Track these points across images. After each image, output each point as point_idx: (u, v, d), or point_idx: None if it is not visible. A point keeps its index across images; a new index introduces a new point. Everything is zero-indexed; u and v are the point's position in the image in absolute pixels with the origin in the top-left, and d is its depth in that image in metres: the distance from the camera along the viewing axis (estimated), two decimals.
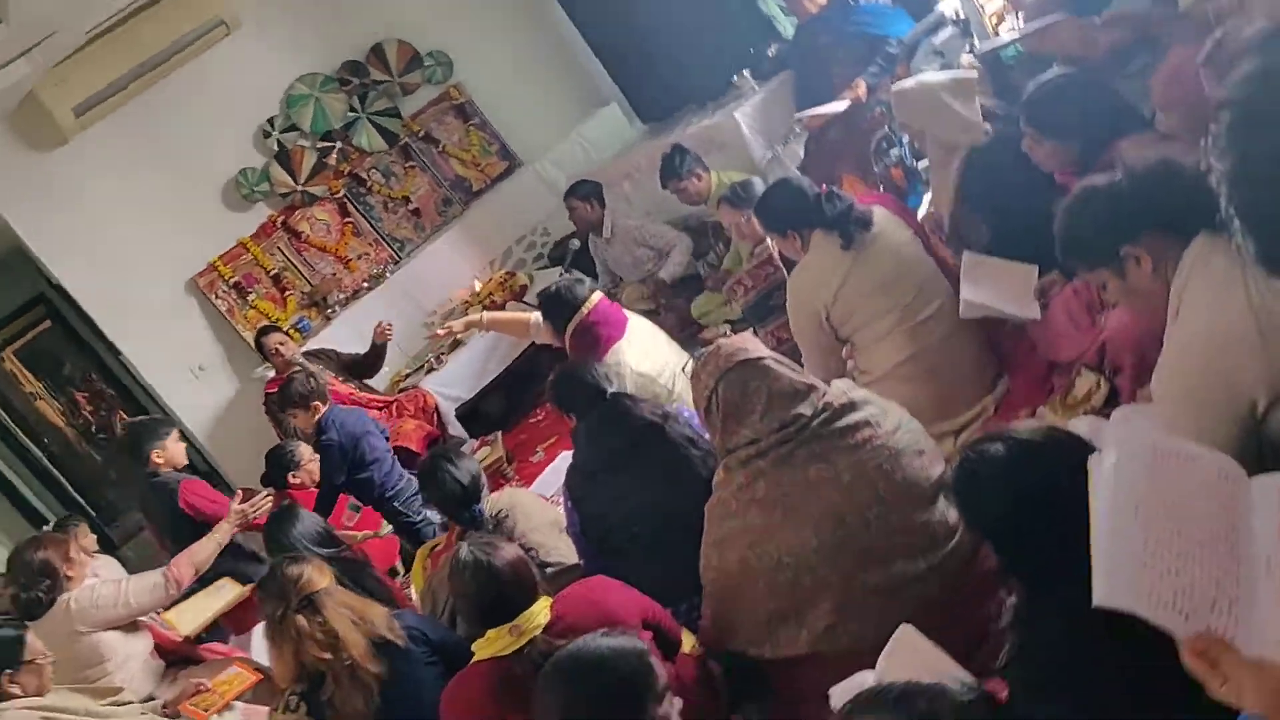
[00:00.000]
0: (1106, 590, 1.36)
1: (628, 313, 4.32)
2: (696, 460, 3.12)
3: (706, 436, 2.96)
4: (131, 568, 5.17)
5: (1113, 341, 2.89)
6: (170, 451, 4.96)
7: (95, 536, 4.97)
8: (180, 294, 6.91)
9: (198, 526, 4.57)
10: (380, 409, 5.95)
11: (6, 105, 6.24)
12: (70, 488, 8.62)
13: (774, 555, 2.55)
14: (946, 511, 2.52)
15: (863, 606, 2.50)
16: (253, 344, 6.52)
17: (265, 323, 6.62)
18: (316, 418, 4.90)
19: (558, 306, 4.22)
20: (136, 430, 5.11)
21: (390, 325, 6.08)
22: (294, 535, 3.72)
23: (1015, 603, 1.84)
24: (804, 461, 2.58)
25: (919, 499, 2.55)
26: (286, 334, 6.27)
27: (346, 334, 6.60)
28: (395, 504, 4.82)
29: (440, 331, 5.10)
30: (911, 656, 2.16)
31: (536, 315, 4.46)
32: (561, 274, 6.09)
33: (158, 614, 4.17)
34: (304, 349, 6.25)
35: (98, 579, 4.19)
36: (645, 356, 4.13)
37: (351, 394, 5.96)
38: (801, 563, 2.52)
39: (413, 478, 4.84)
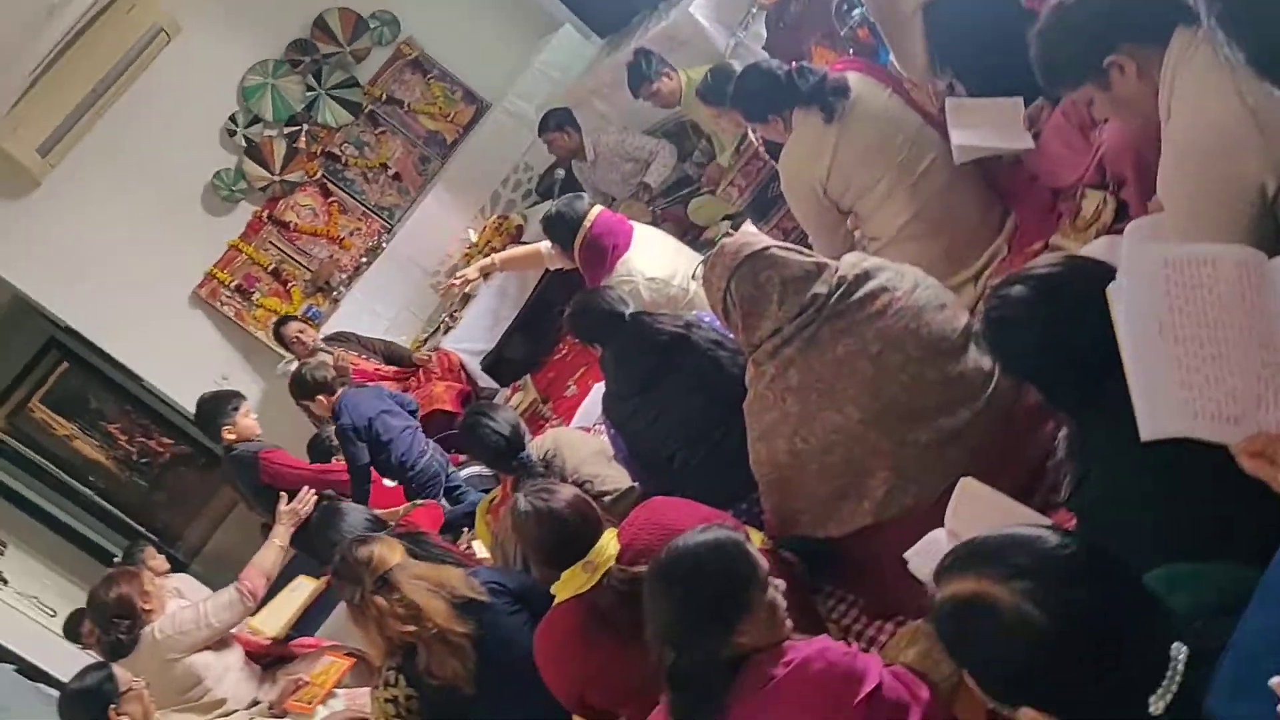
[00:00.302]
0: (1151, 422, 1.36)
1: (632, 222, 4.32)
2: (727, 361, 3.13)
3: (732, 336, 2.97)
4: (205, 581, 5.26)
5: (1111, 156, 2.86)
6: (241, 426, 4.98)
7: (163, 556, 5.04)
8: (185, 308, 6.93)
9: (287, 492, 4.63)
10: (407, 379, 5.98)
11: None
12: (126, 518, 8.73)
13: (820, 437, 2.57)
14: (980, 359, 2.53)
15: (918, 466, 2.53)
16: (269, 341, 6.57)
17: (276, 318, 6.63)
18: (331, 404, 4.91)
19: (561, 226, 4.26)
20: (204, 410, 5.12)
21: None
22: (344, 531, 3.76)
23: (1066, 434, 1.86)
24: (830, 339, 2.58)
25: (950, 352, 2.56)
26: (304, 319, 6.28)
27: (356, 311, 6.61)
28: (414, 482, 4.84)
29: (455, 282, 5.11)
30: (978, 507, 2.18)
31: (546, 243, 4.48)
32: (550, 204, 6.06)
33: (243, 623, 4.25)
34: (323, 335, 6.26)
35: (178, 602, 4.28)
36: (654, 262, 4.13)
37: (376, 369, 5.99)
38: (849, 438, 2.54)
39: (435, 453, 4.90)
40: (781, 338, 2.64)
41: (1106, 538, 1.58)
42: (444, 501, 4.79)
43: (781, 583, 2.05)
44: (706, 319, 3.30)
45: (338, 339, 6.20)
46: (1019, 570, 1.25)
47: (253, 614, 4.13)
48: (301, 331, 5.99)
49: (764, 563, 2.02)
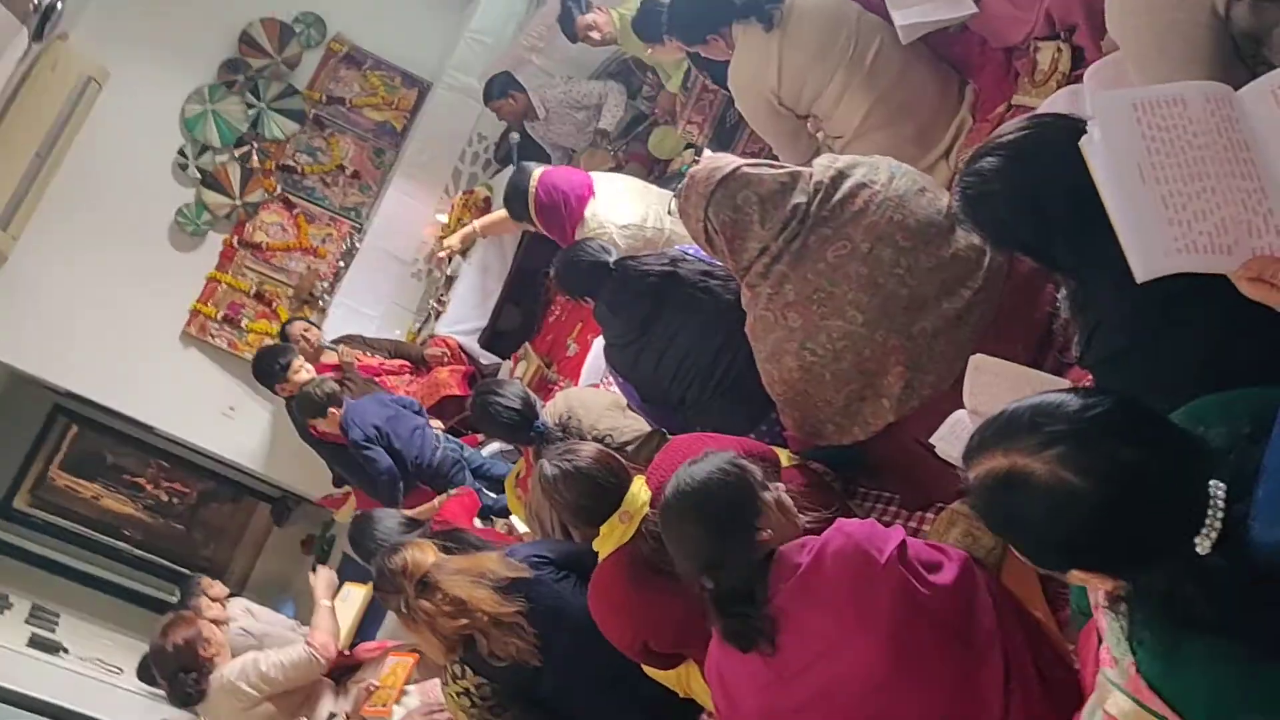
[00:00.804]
0: (1145, 264, 1.35)
1: (591, 173, 4.28)
2: (719, 288, 3.12)
3: (719, 264, 2.96)
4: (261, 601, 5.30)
5: (1057, 3, 2.82)
6: (293, 382, 5.22)
7: (220, 582, 5.06)
8: (179, 349, 6.91)
9: None
10: (416, 370, 5.98)
11: None
12: (169, 563, 8.80)
13: (828, 346, 2.57)
14: (968, 236, 2.51)
15: (929, 354, 2.53)
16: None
17: (268, 332, 6.64)
18: (339, 421, 4.92)
19: (514, 200, 4.27)
20: (258, 372, 5.47)
21: None
22: (379, 539, 3.78)
23: (1067, 294, 1.85)
24: (819, 247, 2.57)
25: (938, 235, 2.55)
26: (306, 320, 6.24)
27: (345, 315, 6.59)
28: (436, 477, 4.87)
29: (441, 255, 5.12)
30: (993, 381, 2.19)
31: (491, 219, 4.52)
32: (513, 167, 6.02)
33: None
34: (328, 342, 6.22)
35: (247, 624, 4.38)
36: (623, 209, 4.10)
37: (381, 363, 5.98)
38: (856, 341, 2.54)
39: (446, 444, 4.93)
40: (770, 255, 2.63)
41: (1127, 387, 1.58)
42: (475, 482, 4.81)
43: (781, 485, 2.16)
44: (691, 251, 3.29)
45: (342, 340, 6.19)
46: (1050, 438, 1.25)
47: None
48: (306, 330, 5.96)
49: (755, 468, 2.14)
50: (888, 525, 2.71)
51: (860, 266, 2.53)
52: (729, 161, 2.73)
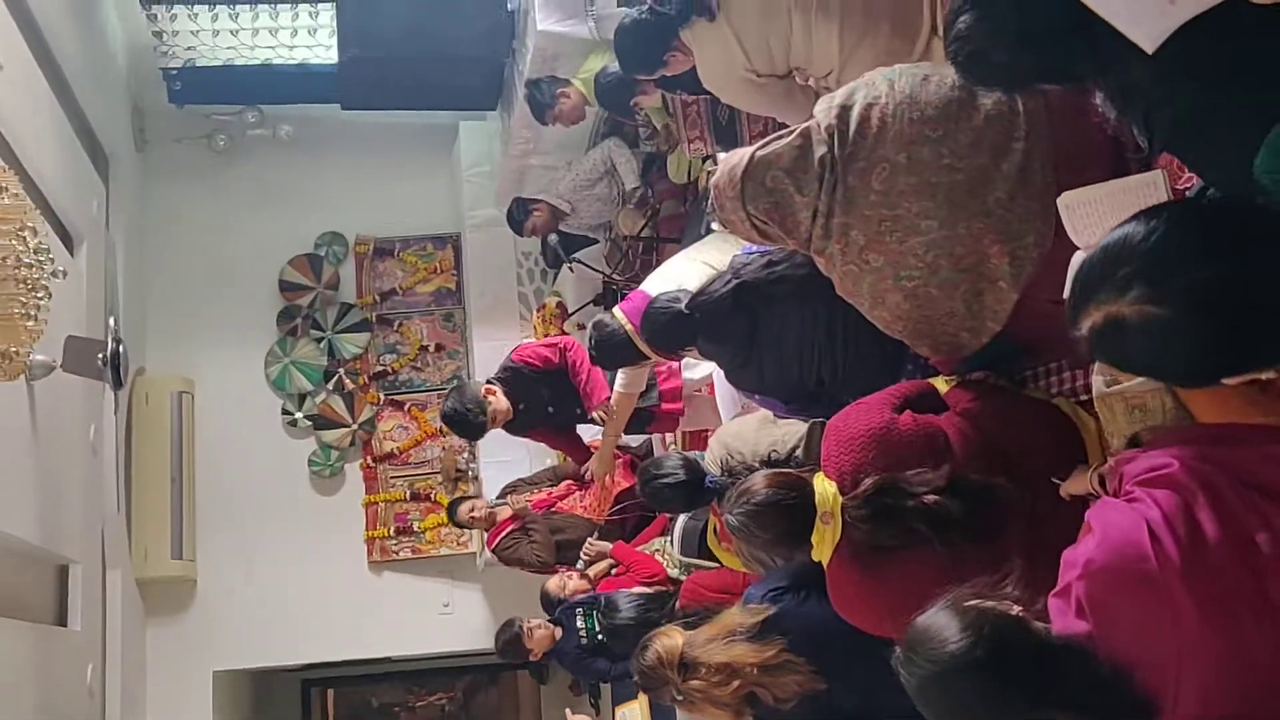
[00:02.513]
0: (1146, 34, 1.30)
1: (640, 287, 4.31)
2: (788, 270, 3.09)
3: (775, 247, 2.94)
4: None
5: None
6: (497, 420, 4.90)
7: None
8: (374, 578, 7.16)
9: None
10: (583, 486, 6.04)
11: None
12: None
13: (919, 265, 2.52)
14: (990, 95, 2.45)
15: (1016, 219, 2.45)
16: (457, 550, 6.74)
17: (441, 523, 6.81)
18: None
19: (619, 351, 4.20)
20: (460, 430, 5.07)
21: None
22: (624, 618, 3.84)
23: (1103, 96, 1.78)
24: (861, 182, 2.54)
25: (961, 108, 2.48)
26: (466, 499, 6.35)
27: (496, 475, 6.69)
28: None
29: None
30: (1090, 210, 2.11)
31: (619, 380, 4.52)
32: (569, 268, 6.11)
33: None
34: (494, 499, 6.32)
35: None
36: (671, 285, 4.11)
37: (549, 494, 6.05)
38: (943, 246, 2.49)
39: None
40: (823, 215, 2.60)
41: (1205, 152, 1.51)
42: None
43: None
44: (743, 253, 3.28)
45: (506, 492, 6.29)
46: (1125, 281, 1.22)
47: None
48: (472, 510, 6.08)
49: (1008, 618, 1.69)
50: (1073, 391, 2.65)
51: (908, 178, 2.48)
52: (740, 155, 2.72)
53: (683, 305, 3.35)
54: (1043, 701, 1.53)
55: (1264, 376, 1.28)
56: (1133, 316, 1.21)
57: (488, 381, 4.85)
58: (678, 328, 3.37)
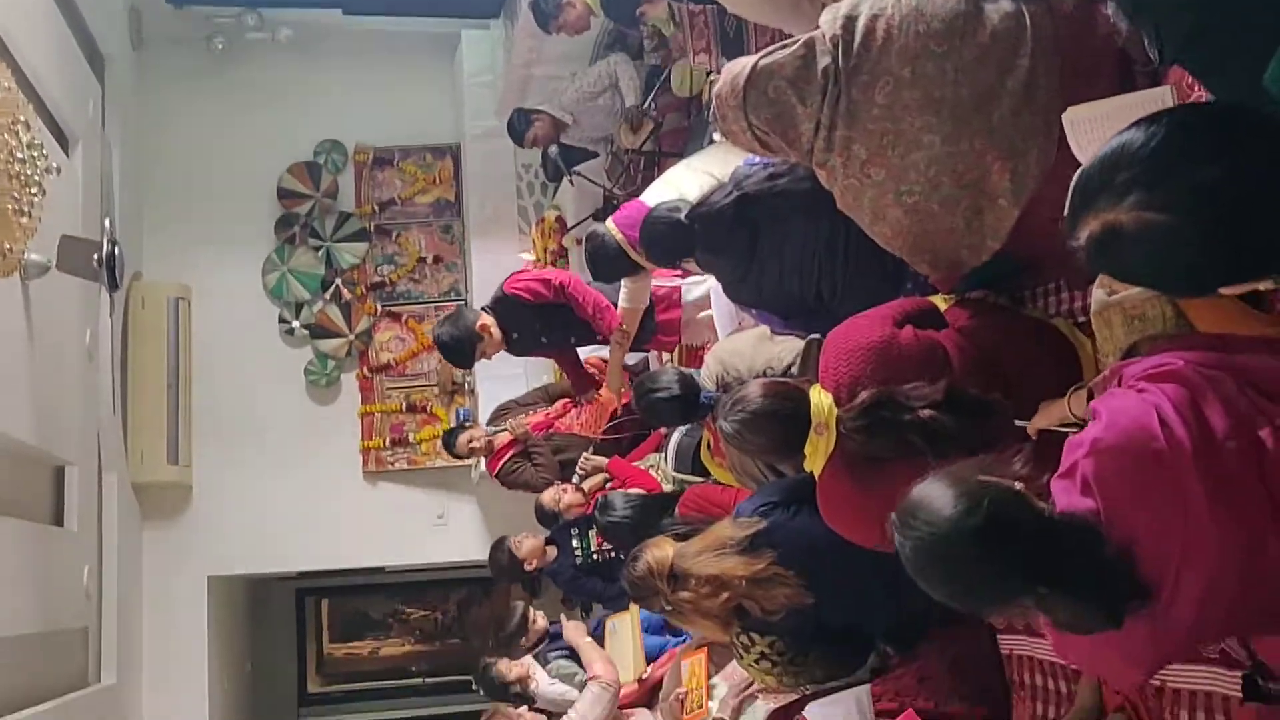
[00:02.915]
0: None
1: (639, 198, 4.27)
2: (790, 183, 3.06)
3: (779, 160, 2.91)
4: None
5: None
6: (488, 349, 4.84)
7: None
8: (369, 488, 7.20)
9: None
10: (578, 404, 6.05)
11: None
12: (464, 676, 9.14)
13: (920, 180, 2.49)
14: (998, 8, 2.40)
15: (1020, 136, 2.43)
16: (450, 461, 6.76)
17: (441, 441, 6.81)
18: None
19: (609, 262, 4.19)
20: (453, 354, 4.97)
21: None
22: (619, 515, 3.98)
23: (1115, 7, 1.74)
24: (864, 95, 2.50)
25: (968, 23, 2.43)
26: (463, 427, 6.37)
27: (493, 388, 6.69)
28: None
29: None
30: (1095, 125, 2.08)
31: (623, 296, 4.46)
32: (569, 181, 6.06)
33: None
34: (488, 424, 6.35)
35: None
36: (672, 194, 4.06)
37: (546, 415, 6.06)
38: (945, 162, 2.46)
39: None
40: (825, 127, 2.56)
41: (1215, 63, 1.48)
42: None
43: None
44: (744, 165, 3.24)
45: (499, 415, 6.30)
46: (1124, 187, 1.19)
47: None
48: (470, 440, 6.09)
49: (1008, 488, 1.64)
50: (1071, 311, 2.64)
51: (912, 93, 2.45)
52: (743, 64, 2.68)
53: (682, 215, 3.32)
54: (1039, 578, 1.51)
55: (1262, 287, 1.26)
56: (1131, 224, 1.19)
57: (484, 309, 4.80)
58: (677, 238, 3.36)
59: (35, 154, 3.45)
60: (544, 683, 4.80)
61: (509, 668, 4.86)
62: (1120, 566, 1.49)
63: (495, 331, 4.66)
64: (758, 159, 3.11)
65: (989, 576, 1.55)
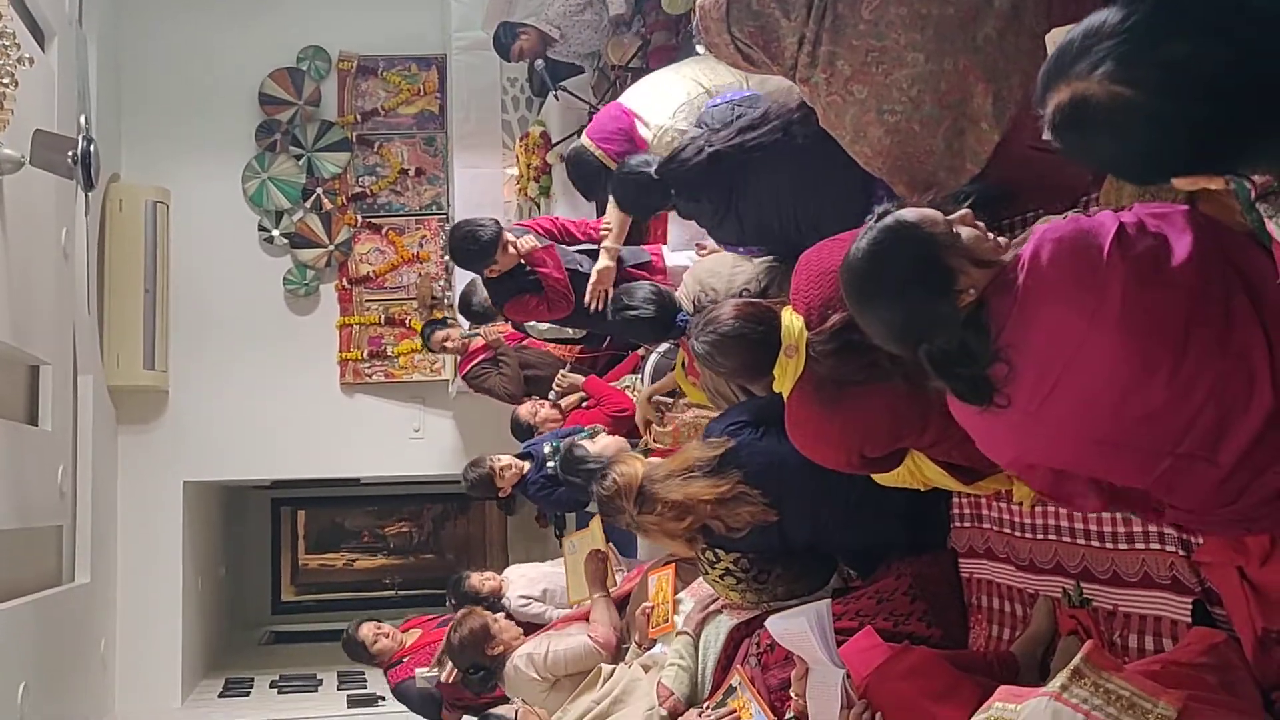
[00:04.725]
0: None
1: (618, 99, 4.21)
2: (759, 137, 3.05)
3: (745, 97, 2.89)
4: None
5: None
6: (501, 262, 4.57)
7: (489, 571, 5.27)
8: (346, 400, 7.21)
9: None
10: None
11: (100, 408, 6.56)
12: (437, 590, 9.26)
13: (902, 98, 2.46)
14: None
15: (1004, 57, 2.39)
16: (430, 377, 6.78)
17: (414, 349, 6.83)
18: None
19: (590, 176, 4.15)
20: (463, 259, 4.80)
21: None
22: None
23: None
24: (850, 10, 2.46)
25: None
26: (441, 323, 6.34)
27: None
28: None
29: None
30: None
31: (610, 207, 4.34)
32: (555, 96, 5.98)
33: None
34: (469, 331, 6.32)
35: (531, 605, 4.76)
36: (661, 103, 4.01)
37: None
38: (928, 80, 2.43)
39: None
40: (809, 42, 2.53)
41: None
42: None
43: (966, 212, 1.82)
44: (712, 104, 3.23)
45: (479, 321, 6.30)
46: (1099, 57, 1.18)
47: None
48: (446, 339, 6.10)
49: (933, 215, 1.80)
50: None
51: (898, 9, 2.41)
52: None
53: (653, 170, 3.33)
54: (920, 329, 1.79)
55: (1213, 186, 1.26)
56: (1098, 95, 1.18)
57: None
58: (650, 193, 3.41)
59: (7, 44, 3.38)
60: (516, 599, 4.86)
61: (482, 580, 4.93)
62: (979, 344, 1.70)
63: (514, 249, 4.48)
64: (723, 97, 3.08)
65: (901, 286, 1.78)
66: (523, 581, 5.01)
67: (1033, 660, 2.45)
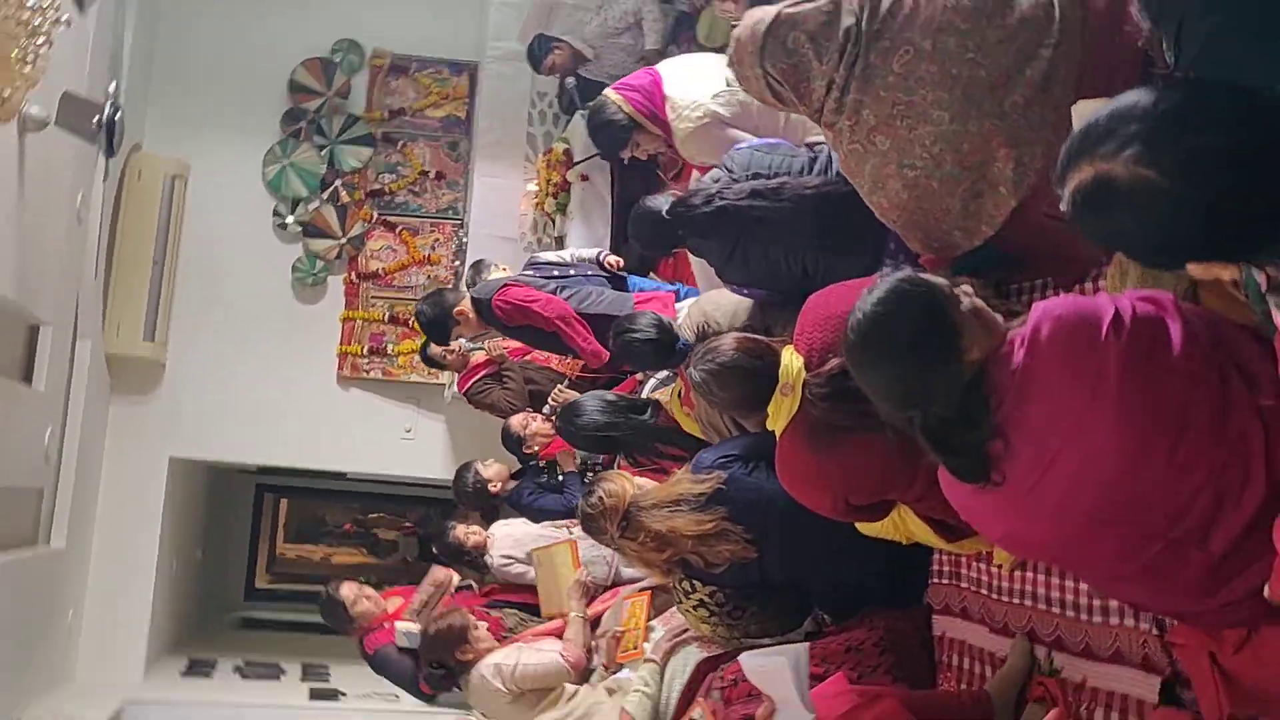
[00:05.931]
0: None
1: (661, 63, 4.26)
2: (767, 208, 3.10)
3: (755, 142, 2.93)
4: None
5: None
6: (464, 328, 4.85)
7: (475, 526, 5.22)
8: (341, 394, 7.21)
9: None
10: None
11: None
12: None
13: (924, 155, 2.48)
14: None
15: (1028, 126, 2.41)
16: (425, 379, 6.77)
17: (414, 350, 6.82)
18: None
19: (604, 129, 4.15)
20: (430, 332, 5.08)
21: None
22: (583, 423, 3.96)
23: (1139, 7, 1.73)
24: (882, 61, 2.48)
25: (999, 4, 2.41)
26: None
27: None
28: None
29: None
30: None
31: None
32: (581, 113, 6.00)
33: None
34: (470, 345, 6.33)
35: (512, 564, 4.79)
36: (700, 82, 3.99)
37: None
38: (951, 140, 2.44)
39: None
40: (838, 88, 2.55)
41: (1231, 74, 1.48)
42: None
43: (967, 286, 1.86)
44: (736, 148, 3.33)
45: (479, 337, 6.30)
46: (1127, 139, 1.19)
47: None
48: (446, 350, 6.09)
49: (939, 279, 1.86)
50: None
51: (929, 66, 2.43)
52: (768, 11, 2.66)
53: (663, 210, 3.42)
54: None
55: (1225, 276, 1.27)
56: (1123, 176, 1.20)
57: (471, 295, 4.77)
58: (661, 234, 3.52)
59: (47, 3, 3.40)
60: (499, 558, 4.84)
61: (467, 534, 4.92)
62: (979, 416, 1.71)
63: (473, 318, 4.66)
64: (751, 143, 3.22)
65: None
66: (508, 541, 4.95)
67: (1008, 701, 2.45)
